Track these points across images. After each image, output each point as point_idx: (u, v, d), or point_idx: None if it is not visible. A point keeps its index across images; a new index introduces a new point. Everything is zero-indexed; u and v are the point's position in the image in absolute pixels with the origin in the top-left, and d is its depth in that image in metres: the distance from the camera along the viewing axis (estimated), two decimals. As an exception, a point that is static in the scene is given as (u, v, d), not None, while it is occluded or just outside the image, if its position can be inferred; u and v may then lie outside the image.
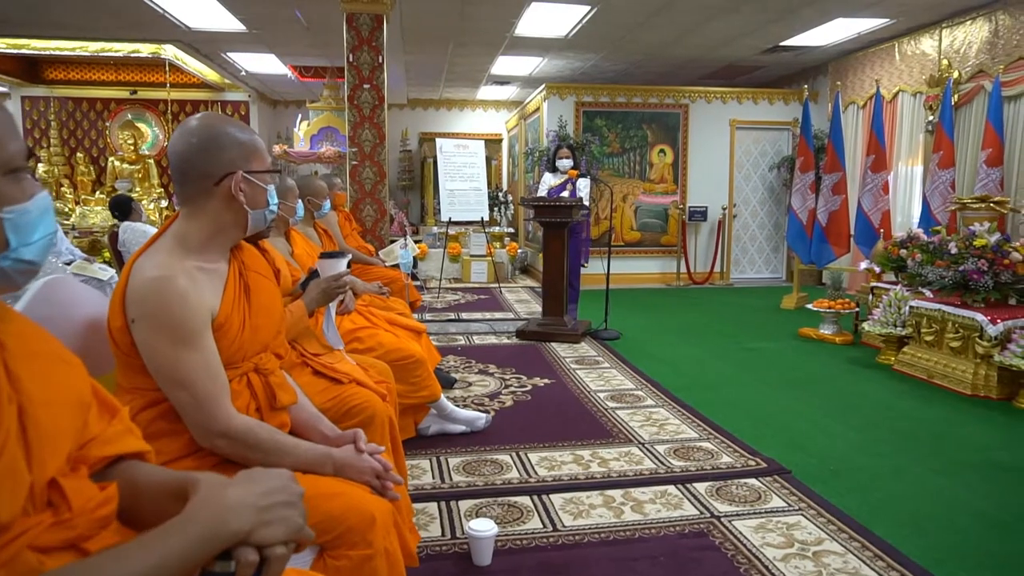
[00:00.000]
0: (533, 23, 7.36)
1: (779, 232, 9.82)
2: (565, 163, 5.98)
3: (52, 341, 0.96)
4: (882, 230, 6.32)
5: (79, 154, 11.06)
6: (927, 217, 6.49)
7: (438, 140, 8.49)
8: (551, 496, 2.71)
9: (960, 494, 2.77)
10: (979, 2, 6.59)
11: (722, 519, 2.53)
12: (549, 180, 6.16)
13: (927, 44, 7.35)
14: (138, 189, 10.77)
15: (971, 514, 2.59)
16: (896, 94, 7.75)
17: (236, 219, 1.49)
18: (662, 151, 9.33)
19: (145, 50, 8.80)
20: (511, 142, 12.48)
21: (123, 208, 5.05)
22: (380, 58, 5.83)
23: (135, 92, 11.21)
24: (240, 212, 1.48)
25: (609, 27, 7.54)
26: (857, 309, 5.68)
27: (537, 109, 9.61)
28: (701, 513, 2.58)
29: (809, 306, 5.78)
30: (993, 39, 6.54)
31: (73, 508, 0.84)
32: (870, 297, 5.54)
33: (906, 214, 7.70)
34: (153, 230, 5.28)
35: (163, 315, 1.35)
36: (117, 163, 10.89)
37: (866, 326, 5.06)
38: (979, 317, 4.08)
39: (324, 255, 2.41)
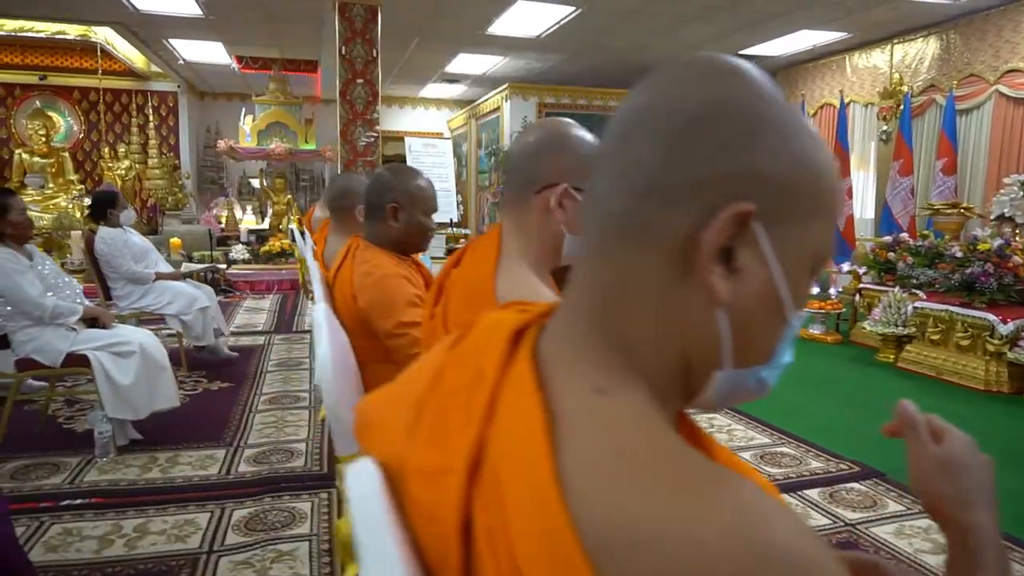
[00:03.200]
0: (511, 22, 7.23)
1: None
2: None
3: None
4: (862, 234, 6.65)
5: (-22, 145, 9.90)
6: (889, 221, 6.90)
7: (407, 139, 8.20)
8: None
9: (1046, 489, 2.91)
10: (931, 21, 7.06)
11: (858, 526, 2.53)
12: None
13: (878, 58, 7.82)
14: (52, 185, 9.75)
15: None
16: (847, 104, 8.17)
17: (553, 241, 1.27)
18: (621, 154, 9.42)
19: (72, 32, 7.96)
20: (456, 141, 12.26)
21: (107, 204, 4.42)
22: (374, 51, 5.54)
23: (44, 78, 10.14)
24: (557, 233, 1.25)
25: (585, 29, 7.53)
26: (843, 309, 5.94)
27: (497, 109, 9.47)
28: (834, 521, 2.57)
29: (798, 307, 5.97)
30: (945, 56, 7.03)
31: None
32: (856, 298, 5.80)
33: (858, 218, 8.15)
34: (139, 239, 4.73)
35: None
36: (26, 156, 9.80)
37: (866, 326, 5.28)
38: (990, 317, 4.34)
39: None
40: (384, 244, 1.96)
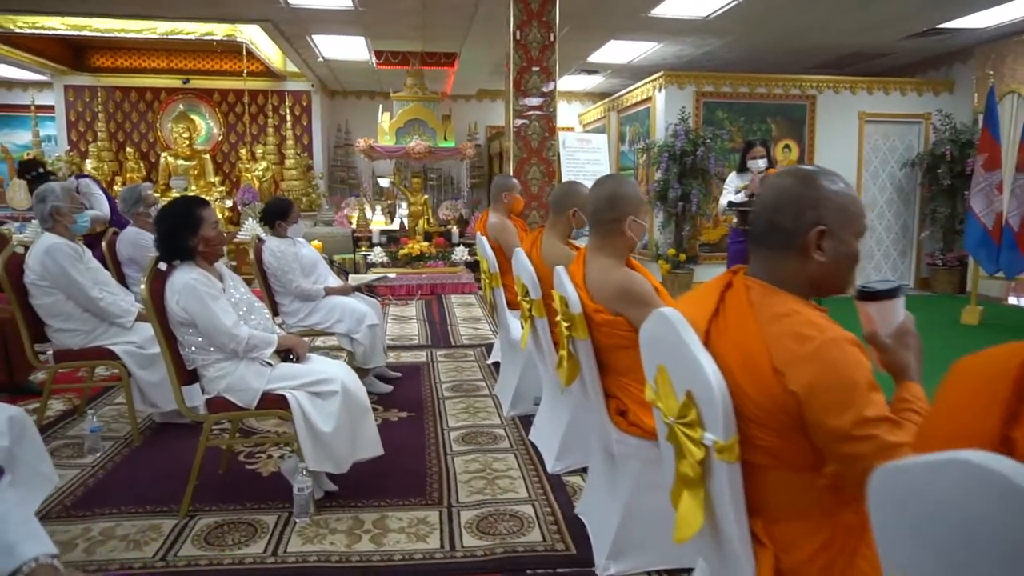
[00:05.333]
0: (680, 1, 6.48)
1: (907, 235, 8.99)
2: (760, 163, 5.09)
3: None
4: None
5: (128, 148, 10.10)
6: None
7: (561, 134, 7.59)
8: None
9: None
10: None
11: None
12: (735, 182, 5.29)
13: None
14: (194, 187, 9.83)
15: None
16: (1078, 83, 6.90)
17: None
18: (787, 146, 8.47)
19: (220, 32, 7.85)
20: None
21: (276, 216, 4.03)
22: (552, 35, 4.93)
23: (188, 80, 10.24)
24: None
25: (761, 8, 6.67)
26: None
27: (646, 99, 8.71)
28: None
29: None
30: None
31: None
32: None
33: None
34: (308, 250, 4.33)
35: None
36: (171, 159, 9.94)
37: None
38: None
39: (872, 292, 1.42)
40: (797, 286, 1.31)
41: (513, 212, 4.52)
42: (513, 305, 3.86)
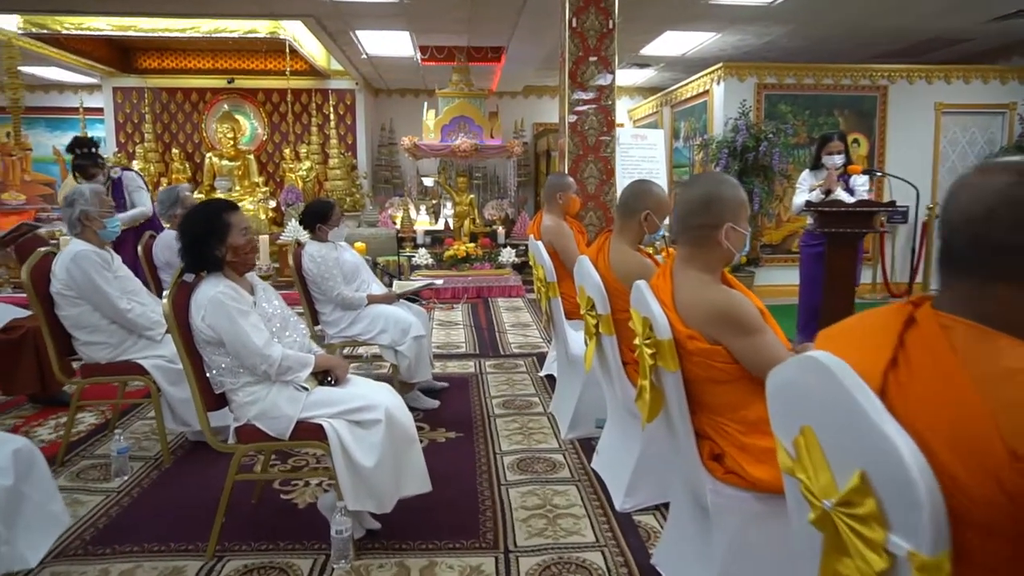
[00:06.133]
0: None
1: (988, 235, 8.34)
2: (837, 159, 4.63)
3: None
4: None
5: (174, 149, 10.06)
6: None
7: (617, 130, 7.21)
8: None
9: None
10: None
11: None
12: (809, 180, 4.84)
13: None
14: (238, 188, 9.73)
15: None
16: None
17: None
18: (855, 141, 7.91)
19: (263, 30, 7.69)
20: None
21: (317, 218, 3.79)
22: (611, 22, 4.57)
23: (232, 80, 10.15)
24: None
25: (833, -11, 6.19)
26: None
27: (703, 93, 8.26)
28: None
29: None
30: None
31: None
32: None
33: None
34: (351, 255, 4.05)
35: None
36: (215, 159, 9.85)
37: None
38: None
39: None
40: (1019, 327, 0.94)
41: (569, 213, 4.18)
42: (572, 316, 3.52)
